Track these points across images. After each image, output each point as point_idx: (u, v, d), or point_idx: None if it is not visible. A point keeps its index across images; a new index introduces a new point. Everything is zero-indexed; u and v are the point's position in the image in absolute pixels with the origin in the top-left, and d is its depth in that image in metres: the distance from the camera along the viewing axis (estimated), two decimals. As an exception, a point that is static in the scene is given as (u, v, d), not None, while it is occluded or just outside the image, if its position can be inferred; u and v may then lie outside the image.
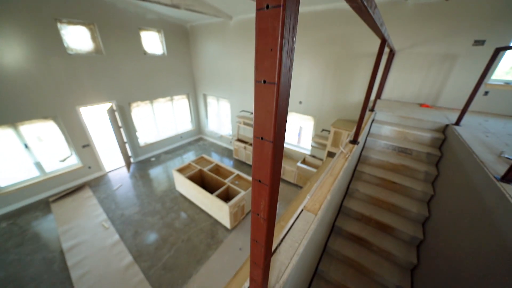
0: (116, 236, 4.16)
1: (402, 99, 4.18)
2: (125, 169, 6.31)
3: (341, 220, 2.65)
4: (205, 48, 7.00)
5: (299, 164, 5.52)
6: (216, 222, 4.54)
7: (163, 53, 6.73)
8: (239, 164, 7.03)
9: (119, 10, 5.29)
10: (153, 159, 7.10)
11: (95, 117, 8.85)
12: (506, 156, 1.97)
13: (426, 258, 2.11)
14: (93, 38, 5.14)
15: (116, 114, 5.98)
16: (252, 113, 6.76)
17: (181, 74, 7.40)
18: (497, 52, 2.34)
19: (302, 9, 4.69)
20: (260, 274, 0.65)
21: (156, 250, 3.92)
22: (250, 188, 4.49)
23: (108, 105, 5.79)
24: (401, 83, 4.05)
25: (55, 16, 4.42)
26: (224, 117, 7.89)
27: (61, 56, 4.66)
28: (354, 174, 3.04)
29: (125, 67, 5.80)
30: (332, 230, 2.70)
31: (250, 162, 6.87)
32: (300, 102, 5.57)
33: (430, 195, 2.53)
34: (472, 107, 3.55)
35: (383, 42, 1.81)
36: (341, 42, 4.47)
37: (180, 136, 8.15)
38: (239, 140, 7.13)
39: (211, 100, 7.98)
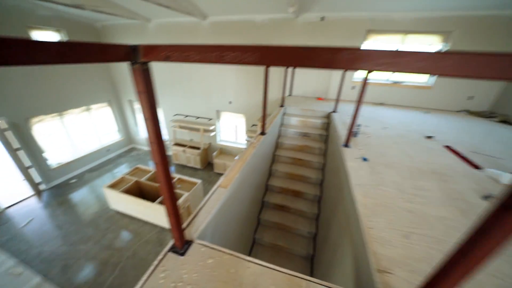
0: (36, 279, 3.53)
1: (306, 95, 5.34)
2: (33, 200, 5.18)
3: (267, 196, 3.32)
4: (124, 50, 6.45)
5: (236, 158, 6.06)
6: (162, 230, 4.52)
7: (68, 57, 5.77)
8: (181, 168, 6.97)
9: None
10: (73, 180, 6.07)
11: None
12: (355, 130, 3.07)
13: (323, 208, 3.02)
14: None
15: (9, 133, 4.80)
16: (186, 115, 6.82)
17: (97, 79, 6.55)
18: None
19: (221, 18, 5.14)
20: (172, 220, 1.01)
21: (96, 277, 3.60)
22: (194, 188, 4.70)
23: (-7, 123, 4.58)
24: (303, 82, 5.16)
25: None
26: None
27: None
28: (274, 158, 3.80)
29: (12, 75, 4.71)
30: (262, 205, 3.35)
31: (191, 164, 6.94)
32: (230, 102, 6.09)
33: (322, 164, 3.54)
34: (347, 97, 4.99)
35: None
36: (257, 49, 5.21)
37: (107, 149, 7.24)
38: (176, 144, 7.04)
39: (139, 106, 7.42)
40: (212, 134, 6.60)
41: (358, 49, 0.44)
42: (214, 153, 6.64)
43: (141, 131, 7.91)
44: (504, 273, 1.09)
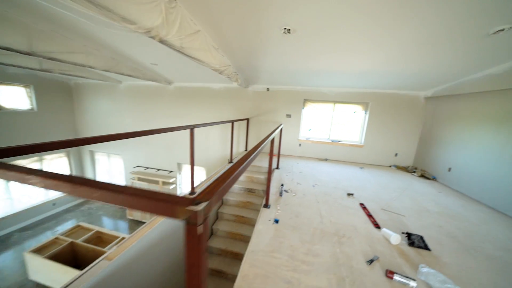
0: None
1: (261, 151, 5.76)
2: None
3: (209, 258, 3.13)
4: (94, 105, 6.80)
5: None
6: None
7: (32, 109, 5.92)
8: (135, 224, 6.41)
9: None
10: (-4, 243, 5.22)
11: None
12: (281, 190, 3.29)
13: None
14: None
15: None
16: (147, 168, 6.76)
17: (58, 131, 6.56)
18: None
19: (184, 84, 5.90)
20: None
21: None
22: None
23: None
24: (257, 138, 5.66)
25: None
26: (117, 174, 7.30)
27: None
28: (218, 216, 3.76)
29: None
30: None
31: (146, 220, 6.45)
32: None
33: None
34: (296, 153, 5.49)
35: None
36: (216, 110, 5.85)
37: (53, 203, 6.59)
38: (133, 197, 6.67)
39: (99, 157, 7.30)
40: (172, 186, 6.47)
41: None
42: (172, 207, 6.33)
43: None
44: None
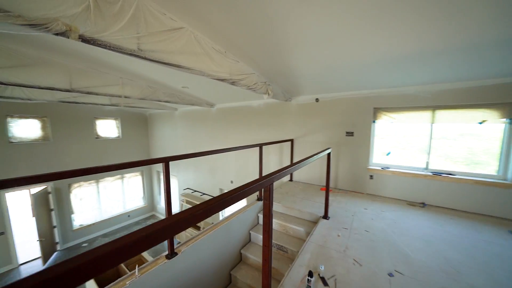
0: None
1: (311, 181, 4.26)
2: (40, 261, 5.56)
3: None
4: (160, 131, 7.74)
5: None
6: None
7: (118, 136, 7.36)
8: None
9: (75, 105, 6.17)
10: (85, 244, 6.41)
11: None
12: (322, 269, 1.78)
13: None
14: (43, 128, 5.73)
15: (50, 196, 5.86)
16: (194, 191, 6.70)
17: (136, 153, 7.82)
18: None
19: (224, 105, 5.54)
20: None
21: None
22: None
23: (38, 188, 5.75)
24: (306, 166, 4.23)
25: (6, 113, 5.09)
26: (174, 194, 7.74)
27: (3, 145, 5.04)
28: (231, 280, 2.66)
29: (71, 150, 6.18)
30: None
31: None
32: (232, 182, 5.63)
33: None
34: (365, 189, 3.59)
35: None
36: (255, 131, 5.02)
37: (128, 215, 7.70)
38: (182, 219, 6.70)
39: (162, 177, 8.06)
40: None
41: None
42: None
43: (162, 201, 8.26)
44: None
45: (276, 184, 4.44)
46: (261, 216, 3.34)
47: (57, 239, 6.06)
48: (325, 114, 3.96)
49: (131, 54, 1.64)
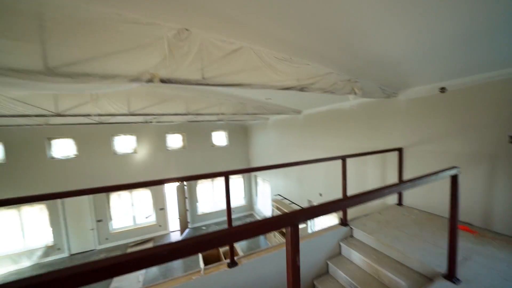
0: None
1: (433, 209, 2.89)
2: (179, 233, 7.91)
3: None
4: (255, 139, 8.63)
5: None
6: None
7: (227, 145, 9.03)
8: (269, 252, 6.58)
9: (200, 124, 8.30)
10: (204, 228, 8.37)
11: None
12: None
13: None
14: (183, 140, 8.22)
15: (185, 188, 8.25)
16: (284, 198, 6.75)
17: (239, 159, 9.22)
18: None
19: (311, 111, 5.18)
20: None
21: None
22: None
23: (179, 183, 8.21)
24: (423, 186, 2.95)
25: (166, 132, 7.82)
26: (267, 198, 8.25)
27: (163, 151, 7.80)
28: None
29: (197, 156, 8.37)
30: None
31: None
32: (321, 195, 5.09)
33: None
34: None
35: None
36: (347, 138, 4.25)
37: (232, 210, 9.17)
38: (272, 224, 6.96)
39: (259, 181, 8.85)
40: (302, 226, 5.71)
41: None
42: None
43: (259, 202, 9.08)
44: None
45: (373, 207, 3.48)
46: (344, 246, 2.70)
47: (188, 219, 8.39)
48: (459, 110, 2.55)
49: (196, 84, 1.91)
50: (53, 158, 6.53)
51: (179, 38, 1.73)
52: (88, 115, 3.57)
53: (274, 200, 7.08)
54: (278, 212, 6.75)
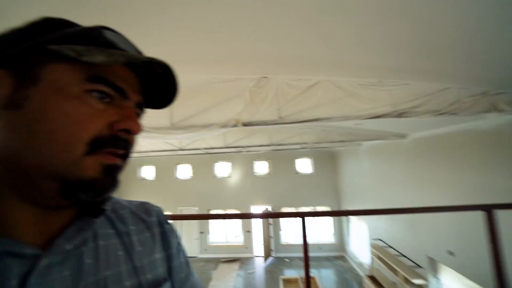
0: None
1: None
2: (263, 259, 7.93)
3: None
4: (346, 167, 7.64)
5: None
6: None
7: (311, 172, 8.59)
8: (368, 315, 5.14)
9: (284, 151, 8.52)
10: (287, 260, 7.96)
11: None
12: None
13: None
14: (269, 167, 8.69)
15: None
16: (388, 246, 5.27)
17: (325, 188, 8.43)
18: None
19: (423, 133, 4.01)
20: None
21: None
22: None
23: (265, 207, 8.50)
24: None
25: (254, 159, 8.63)
26: (363, 240, 6.74)
27: (251, 177, 8.55)
28: None
29: (282, 183, 8.48)
30: None
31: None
32: (451, 253, 3.53)
33: None
34: None
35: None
36: (491, 172, 2.84)
37: (319, 247, 8.21)
38: (370, 278, 5.50)
39: (353, 218, 7.51)
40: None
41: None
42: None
43: (351, 243, 7.61)
44: None
45: None
46: None
47: (272, 247, 8.32)
48: None
49: (273, 124, 1.99)
50: (177, 178, 8.90)
51: (258, 85, 1.92)
52: (198, 148, 4.61)
53: (373, 246, 5.68)
54: (379, 263, 5.31)
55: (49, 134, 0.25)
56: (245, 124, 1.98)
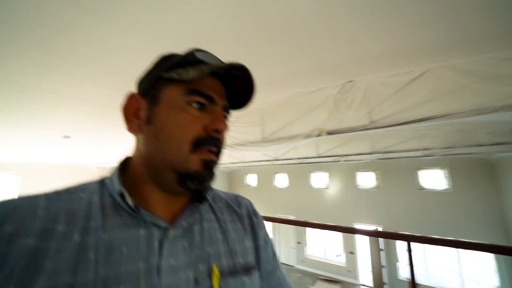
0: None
1: None
2: (372, 292, 6.54)
3: None
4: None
5: None
6: None
7: (447, 189, 6.21)
8: None
9: (399, 160, 6.83)
10: (410, 303, 6.06)
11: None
12: None
13: None
14: (377, 179, 7.29)
15: (380, 238, 6.90)
16: None
17: (476, 215, 5.76)
18: None
19: None
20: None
21: None
22: None
23: (373, 227, 7.07)
24: None
25: (356, 170, 7.59)
26: None
27: (353, 190, 7.54)
28: None
29: (397, 200, 6.78)
30: None
31: None
32: None
33: None
34: None
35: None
36: None
37: (469, 301, 5.61)
38: None
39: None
40: None
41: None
42: None
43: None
44: None
45: None
46: None
47: (384, 279, 6.70)
48: None
49: (363, 130, 1.74)
50: (275, 186, 9.58)
51: (343, 91, 1.81)
52: (291, 158, 4.80)
53: None
54: None
55: (167, 139, 0.33)
56: (330, 133, 1.90)
